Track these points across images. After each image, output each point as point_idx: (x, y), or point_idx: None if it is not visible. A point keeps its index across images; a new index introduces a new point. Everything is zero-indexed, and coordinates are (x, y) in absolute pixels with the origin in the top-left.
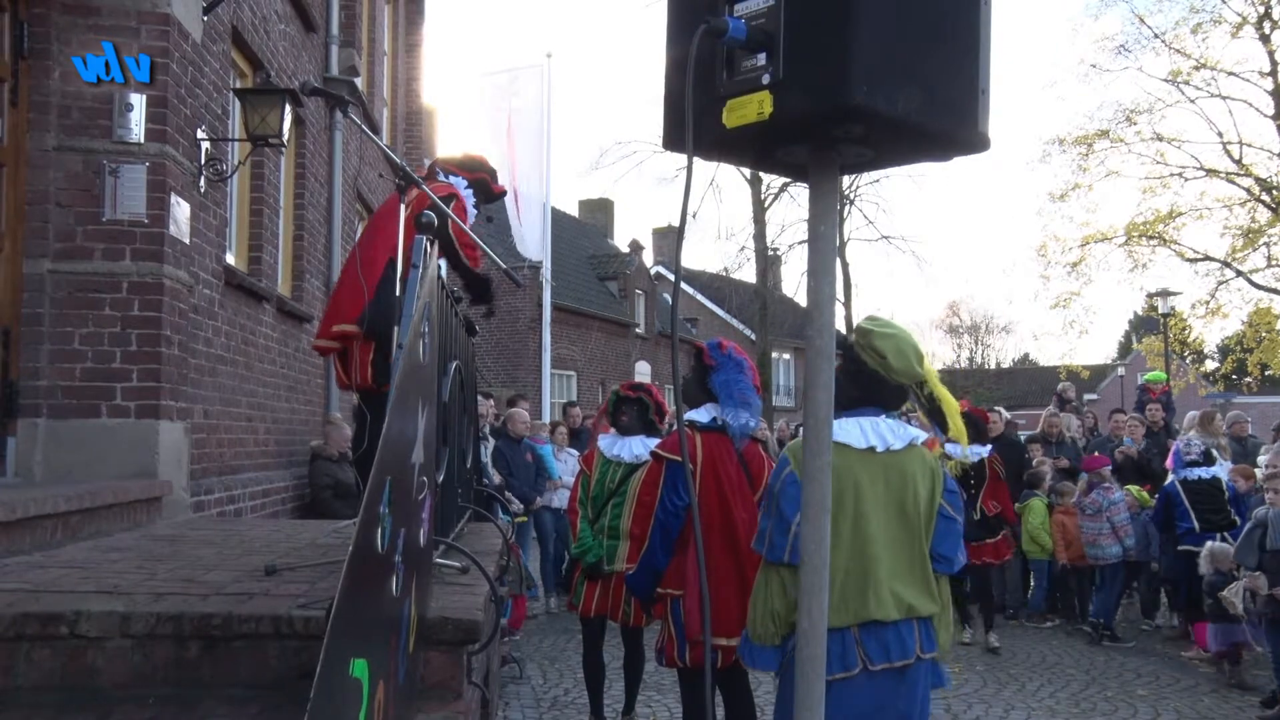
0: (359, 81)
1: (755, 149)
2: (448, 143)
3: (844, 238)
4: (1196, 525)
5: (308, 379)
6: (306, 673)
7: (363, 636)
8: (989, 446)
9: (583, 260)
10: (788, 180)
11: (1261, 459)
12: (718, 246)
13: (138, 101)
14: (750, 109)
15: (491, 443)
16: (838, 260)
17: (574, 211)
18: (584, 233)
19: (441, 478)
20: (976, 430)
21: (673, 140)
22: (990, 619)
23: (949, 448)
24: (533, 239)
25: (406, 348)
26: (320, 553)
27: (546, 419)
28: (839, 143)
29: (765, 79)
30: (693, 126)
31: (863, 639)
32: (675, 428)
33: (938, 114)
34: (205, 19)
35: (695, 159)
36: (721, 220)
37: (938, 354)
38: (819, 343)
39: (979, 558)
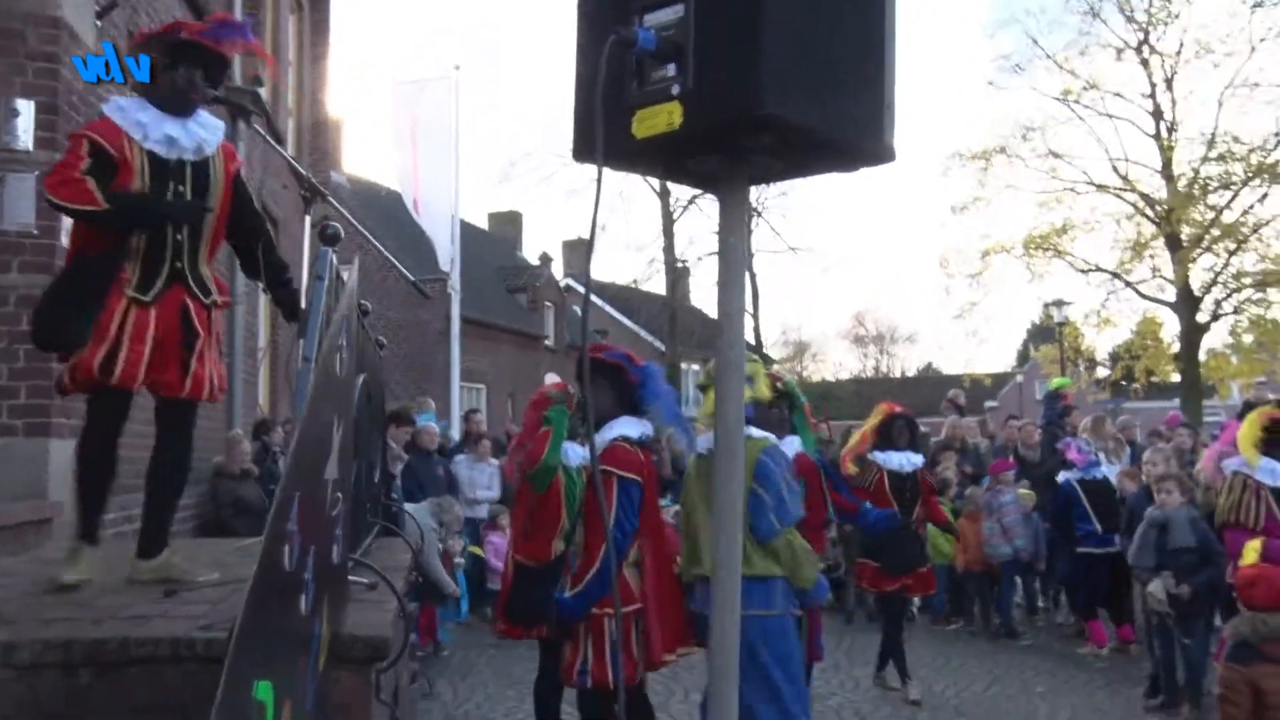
0: (263, 91)
1: (665, 160)
2: (353, 153)
3: (752, 249)
4: (1099, 527)
5: None
6: (209, 696)
7: (268, 657)
8: (921, 456)
9: (491, 272)
10: (697, 192)
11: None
12: (627, 258)
13: (25, 108)
14: (660, 119)
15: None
16: (746, 271)
17: (484, 224)
18: (493, 245)
19: (350, 493)
20: (913, 435)
21: (582, 151)
22: (904, 666)
23: (879, 456)
24: (441, 251)
25: (321, 361)
26: (223, 573)
27: (456, 432)
28: (748, 153)
29: (675, 89)
30: (602, 137)
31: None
32: (616, 441)
33: (845, 125)
34: (98, 24)
35: (605, 170)
36: (631, 232)
37: (844, 363)
38: (729, 354)
39: (903, 588)
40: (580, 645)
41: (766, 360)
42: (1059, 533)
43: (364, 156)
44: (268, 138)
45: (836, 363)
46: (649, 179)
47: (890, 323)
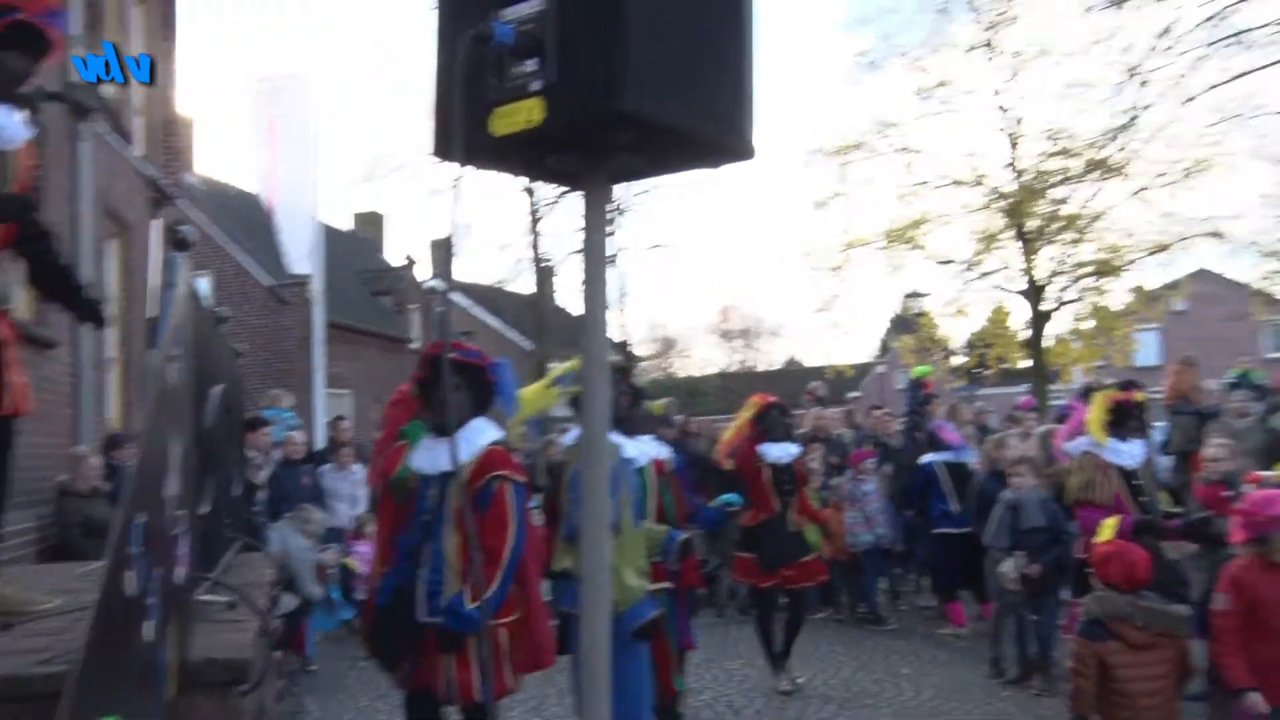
0: (108, 88)
1: (525, 157)
2: (207, 152)
3: (617, 246)
4: (955, 507)
5: (53, 409)
6: None
7: (112, 690)
8: (798, 447)
9: (354, 275)
10: (564, 190)
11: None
12: (493, 258)
13: None
14: (520, 116)
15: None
16: (612, 268)
17: (348, 225)
18: (356, 247)
19: (206, 509)
20: (785, 425)
21: (442, 149)
22: (774, 658)
23: (761, 448)
24: (295, 253)
25: (156, 374)
26: (67, 599)
27: (320, 441)
28: (610, 150)
29: (535, 85)
30: (462, 135)
31: None
32: (494, 445)
33: (706, 122)
34: None
35: (468, 169)
36: (497, 231)
37: (710, 359)
38: (593, 350)
39: (784, 580)
40: (472, 660)
41: (633, 358)
42: (919, 515)
43: (221, 157)
44: (109, 137)
45: (703, 358)
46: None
47: (756, 317)
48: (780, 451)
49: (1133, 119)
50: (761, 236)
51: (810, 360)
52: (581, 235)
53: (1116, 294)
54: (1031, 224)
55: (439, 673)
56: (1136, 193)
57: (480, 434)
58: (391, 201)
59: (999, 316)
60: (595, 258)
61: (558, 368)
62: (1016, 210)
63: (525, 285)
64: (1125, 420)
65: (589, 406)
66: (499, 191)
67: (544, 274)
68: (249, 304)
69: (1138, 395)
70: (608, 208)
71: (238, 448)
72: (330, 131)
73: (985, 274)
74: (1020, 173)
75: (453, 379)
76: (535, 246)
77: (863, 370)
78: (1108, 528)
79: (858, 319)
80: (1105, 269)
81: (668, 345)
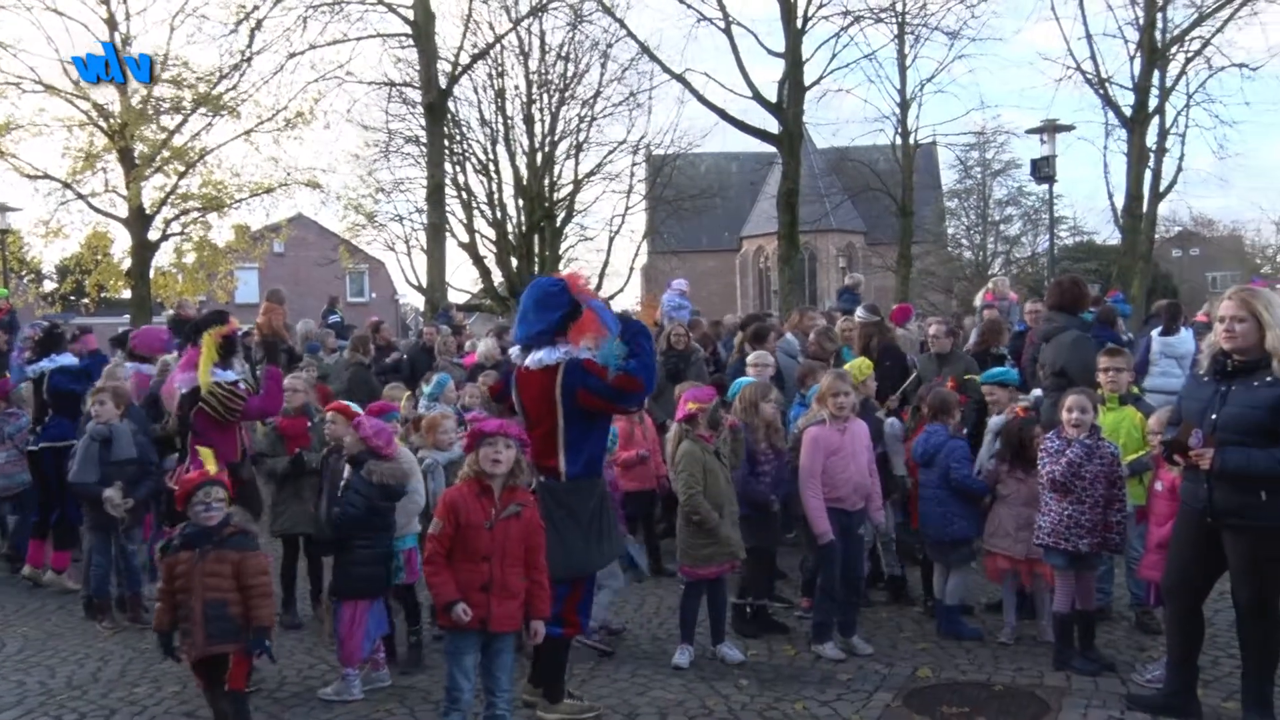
0: None
1: None
2: None
3: None
4: None
5: None
6: None
7: None
8: None
9: None
10: None
11: None
12: None
13: None
14: None
15: None
16: None
17: None
18: None
19: None
20: None
21: None
22: None
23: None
24: None
25: None
26: None
27: None
28: None
29: None
30: None
31: None
32: None
33: None
34: None
35: None
36: None
37: None
38: None
39: None
40: None
41: None
42: None
43: None
44: None
45: None
46: None
47: None
48: None
49: (246, 60)
50: None
51: None
52: None
53: (222, 231)
54: (139, 149)
55: None
56: (245, 134)
57: None
58: None
59: (99, 242)
60: None
61: None
62: (122, 132)
63: None
64: (232, 350)
65: None
66: None
67: None
68: None
69: (235, 324)
70: None
71: None
72: None
73: (85, 196)
74: (128, 94)
75: None
76: None
77: None
78: (208, 457)
79: None
80: (212, 205)
81: None
